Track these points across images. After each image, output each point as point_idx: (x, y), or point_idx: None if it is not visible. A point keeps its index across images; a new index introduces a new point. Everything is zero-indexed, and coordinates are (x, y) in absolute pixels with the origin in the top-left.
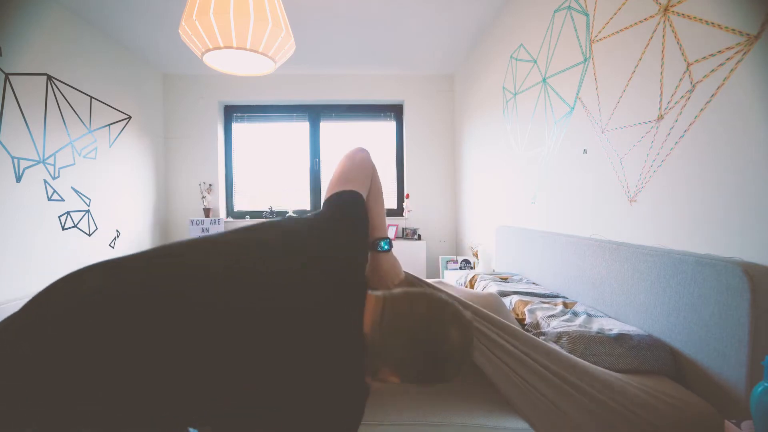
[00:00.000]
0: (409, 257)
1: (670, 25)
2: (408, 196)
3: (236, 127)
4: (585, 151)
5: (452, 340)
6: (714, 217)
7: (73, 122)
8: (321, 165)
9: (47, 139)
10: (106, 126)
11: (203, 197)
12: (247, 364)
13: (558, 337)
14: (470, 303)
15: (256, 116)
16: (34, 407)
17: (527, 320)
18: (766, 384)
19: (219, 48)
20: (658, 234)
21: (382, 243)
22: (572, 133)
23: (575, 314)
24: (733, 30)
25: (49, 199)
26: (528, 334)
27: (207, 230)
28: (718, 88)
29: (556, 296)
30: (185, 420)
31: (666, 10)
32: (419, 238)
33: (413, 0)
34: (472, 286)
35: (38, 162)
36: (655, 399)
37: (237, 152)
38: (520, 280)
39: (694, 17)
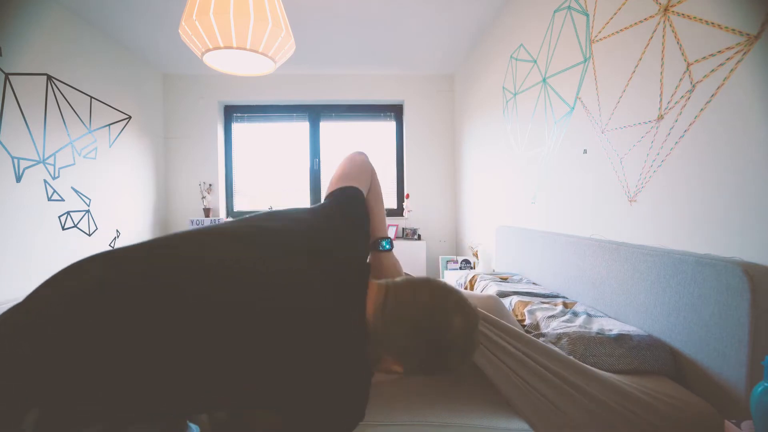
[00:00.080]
0: (409, 257)
1: (670, 25)
2: (408, 196)
3: (236, 127)
4: (585, 151)
5: (456, 329)
6: (714, 217)
7: (73, 122)
8: (321, 165)
9: (47, 139)
10: (106, 126)
11: (203, 197)
12: (246, 363)
13: (558, 338)
14: None
15: (256, 116)
16: (34, 408)
17: (527, 321)
18: (766, 384)
19: (219, 48)
20: (658, 234)
21: (384, 243)
22: (572, 133)
23: (575, 314)
24: (733, 30)
25: (49, 199)
26: (528, 335)
27: None
28: (718, 88)
29: (556, 296)
30: (183, 413)
31: (666, 10)
32: (419, 238)
33: (413, 0)
34: (472, 286)
35: (38, 162)
36: (655, 399)
37: (237, 152)
38: (520, 280)
39: (694, 17)
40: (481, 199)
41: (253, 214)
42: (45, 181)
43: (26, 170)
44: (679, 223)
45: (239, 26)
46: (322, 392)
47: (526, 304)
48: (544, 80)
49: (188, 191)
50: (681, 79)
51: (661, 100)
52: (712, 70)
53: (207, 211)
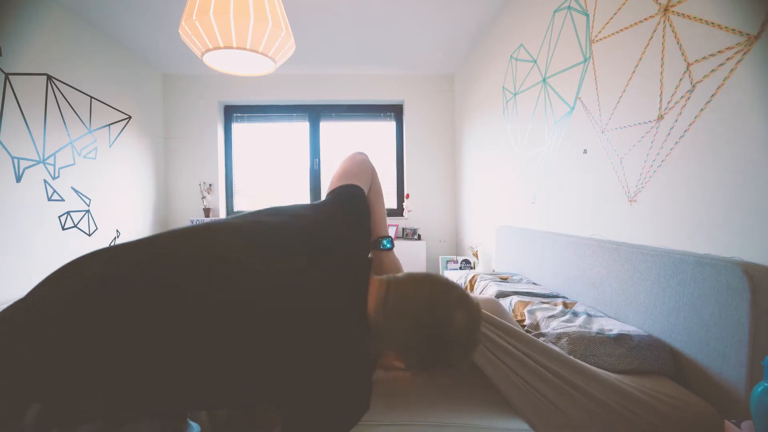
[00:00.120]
0: (409, 257)
1: (670, 25)
2: (408, 196)
3: (236, 127)
4: (585, 151)
5: (457, 324)
6: (714, 217)
7: (73, 122)
8: (321, 165)
9: (47, 139)
10: (106, 126)
11: (203, 197)
12: (246, 363)
13: (558, 338)
14: None
15: (256, 116)
16: (33, 408)
17: (527, 321)
18: (766, 384)
19: (219, 48)
20: (658, 234)
21: (385, 241)
22: (572, 133)
23: (575, 314)
24: (733, 30)
25: (49, 199)
26: (528, 335)
27: None
28: (718, 88)
29: (556, 296)
30: (183, 412)
31: (666, 10)
32: (419, 238)
33: (413, 0)
34: (472, 286)
35: (38, 162)
36: (654, 399)
37: (237, 152)
38: (520, 280)
39: (694, 17)
40: (481, 199)
41: (255, 210)
42: (45, 181)
43: (26, 170)
44: (679, 223)
45: (239, 26)
46: (323, 391)
47: (526, 304)
48: (544, 80)
49: (188, 191)
50: (681, 79)
51: (661, 100)
52: (712, 70)
53: (207, 211)
